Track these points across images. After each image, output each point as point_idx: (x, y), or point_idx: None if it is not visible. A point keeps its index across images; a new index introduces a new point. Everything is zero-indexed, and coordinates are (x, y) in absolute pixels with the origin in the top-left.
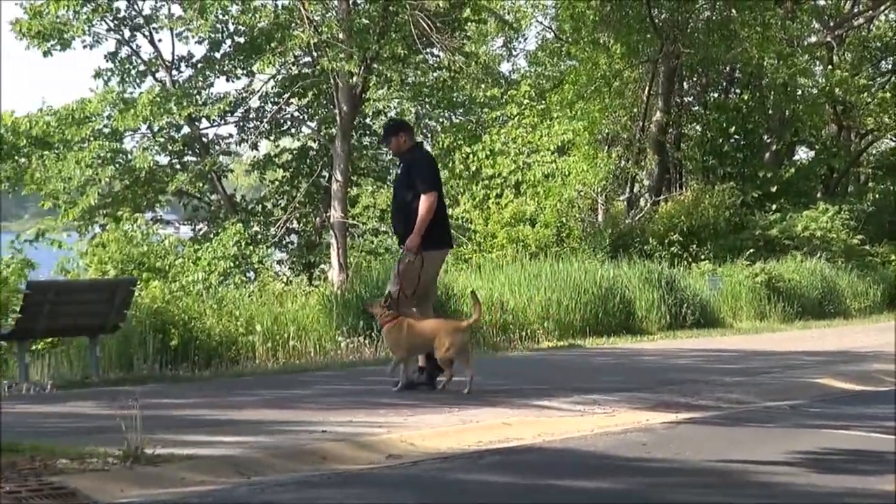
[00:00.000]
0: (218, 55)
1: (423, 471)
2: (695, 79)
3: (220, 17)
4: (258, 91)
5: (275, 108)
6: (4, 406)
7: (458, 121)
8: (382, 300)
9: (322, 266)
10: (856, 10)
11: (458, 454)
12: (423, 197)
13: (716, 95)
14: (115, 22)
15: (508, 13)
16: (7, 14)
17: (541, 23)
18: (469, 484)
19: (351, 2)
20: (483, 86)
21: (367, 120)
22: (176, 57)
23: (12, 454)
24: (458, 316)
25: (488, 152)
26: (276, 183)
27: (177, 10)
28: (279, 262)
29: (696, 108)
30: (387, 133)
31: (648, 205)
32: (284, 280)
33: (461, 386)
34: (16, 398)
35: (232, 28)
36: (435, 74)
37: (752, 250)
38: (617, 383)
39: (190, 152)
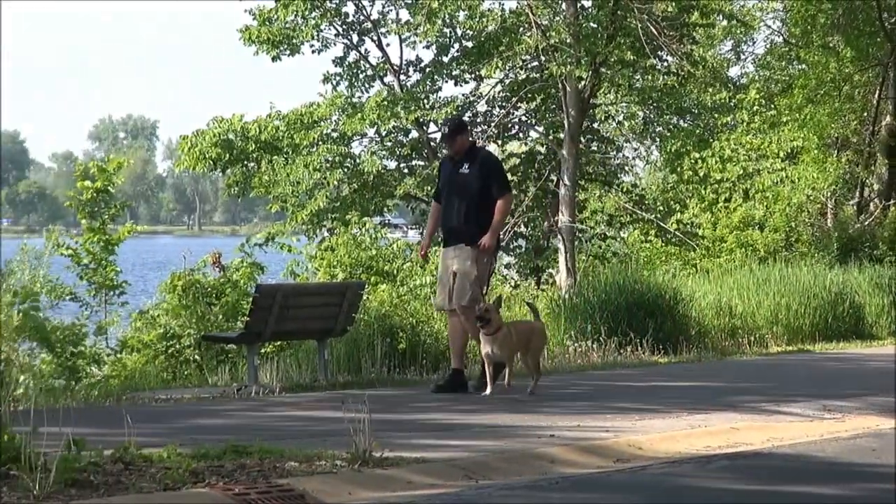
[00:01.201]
0: (445, 59)
1: (652, 475)
2: None
3: (448, 21)
4: (485, 95)
5: (502, 112)
6: (234, 408)
7: (685, 126)
8: (486, 307)
9: (550, 270)
10: None
11: (687, 459)
12: (503, 198)
13: None
14: (344, 27)
15: (735, 17)
16: (232, 21)
17: (769, 27)
18: (698, 489)
19: (579, 6)
20: (710, 90)
21: (595, 124)
22: (404, 61)
23: (241, 456)
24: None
25: (718, 158)
26: None
27: (405, 14)
28: (507, 266)
29: None
30: (454, 132)
31: (878, 209)
32: (512, 284)
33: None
34: (245, 401)
35: (460, 32)
36: (663, 79)
37: None
38: (846, 388)
39: (417, 156)
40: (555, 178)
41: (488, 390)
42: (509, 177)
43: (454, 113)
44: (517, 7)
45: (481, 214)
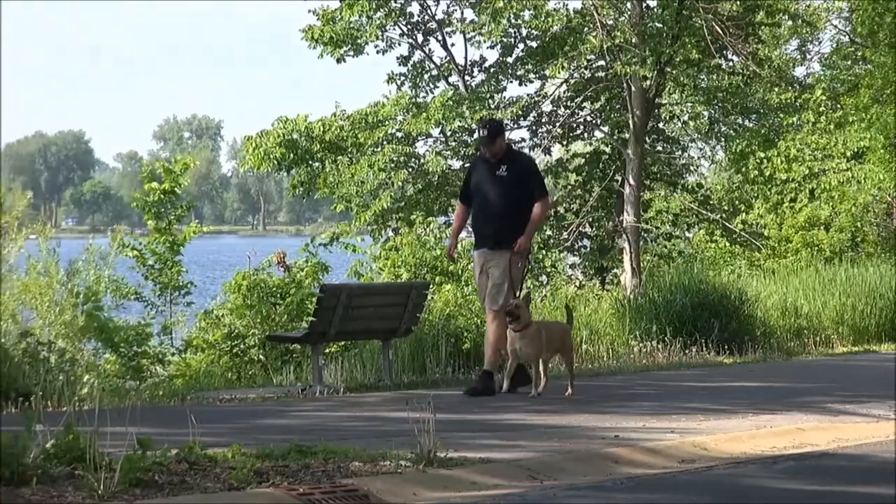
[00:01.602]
0: (510, 60)
1: (717, 476)
2: None
3: (513, 21)
4: (550, 95)
5: (567, 112)
6: (299, 408)
7: (751, 125)
8: (516, 303)
9: (614, 270)
10: None
11: (752, 459)
12: (542, 201)
13: None
14: (409, 27)
15: (800, 17)
16: (297, 21)
17: (835, 26)
18: (764, 490)
19: (644, 6)
20: (776, 90)
21: (660, 124)
22: (468, 61)
23: (306, 456)
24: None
25: (783, 158)
26: (569, 187)
27: (469, 14)
28: (572, 266)
29: None
30: (493, 134)
31: None
32: (577, 284)
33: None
34: (309, 401)
35: (524, 32)
36: (728, 79)
37: None
38: None
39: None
40: (619, 178)
41: (505, 386)
42: (574, 177)
43: (520, 113)
44: (582, 7)
45: (519, 217)
